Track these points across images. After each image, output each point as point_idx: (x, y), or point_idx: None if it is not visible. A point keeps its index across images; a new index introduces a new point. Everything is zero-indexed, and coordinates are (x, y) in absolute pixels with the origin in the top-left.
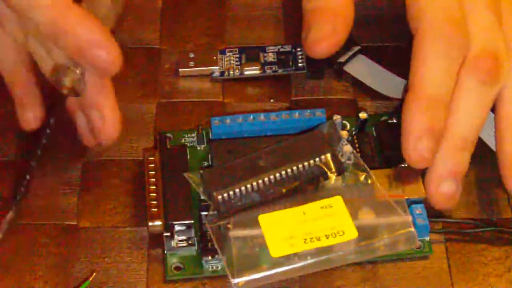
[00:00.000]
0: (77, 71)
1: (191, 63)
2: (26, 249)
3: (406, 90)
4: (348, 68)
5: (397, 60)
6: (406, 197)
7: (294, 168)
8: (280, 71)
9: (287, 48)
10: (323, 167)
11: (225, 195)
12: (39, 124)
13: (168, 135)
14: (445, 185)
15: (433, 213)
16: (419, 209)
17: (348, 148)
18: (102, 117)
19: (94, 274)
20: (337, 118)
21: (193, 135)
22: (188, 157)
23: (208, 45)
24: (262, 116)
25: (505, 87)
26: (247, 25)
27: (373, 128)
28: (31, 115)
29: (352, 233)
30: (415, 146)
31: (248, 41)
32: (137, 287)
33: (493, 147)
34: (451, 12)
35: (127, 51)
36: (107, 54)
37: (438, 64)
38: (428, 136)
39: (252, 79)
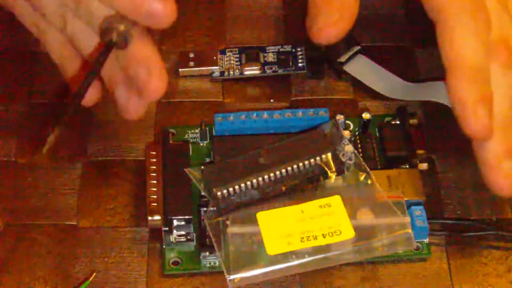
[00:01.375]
0: (122, 27)
1: (191, 63)
2: (26, 249)
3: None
4: (348, 68)
5: (397, 60)
6: (406, 199)
7: (295, 166)
8: (280, 71)
9: (287, 48)
10: (324, 166)
11: (225, 191)
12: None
13: (172, 130)
14: (506, 164)
15: (433, 215)
16: (418, 211)
17: (349, 148)
18: (149, 71)
19: (94, 274)
20: (340, 117)
21: (196, 131)
22: (191, 153)
23: (208, 45)
24: (265, 114)
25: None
26: (247, 25)
27: (376, 129)
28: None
29: (349, 233)
30: (475, 114)
31: (248, 41)
32: (137, 287)
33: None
34: None
35: None
36: (163, 6)
37: (470, 36)
38: (483, 103)
39: (252, 79)
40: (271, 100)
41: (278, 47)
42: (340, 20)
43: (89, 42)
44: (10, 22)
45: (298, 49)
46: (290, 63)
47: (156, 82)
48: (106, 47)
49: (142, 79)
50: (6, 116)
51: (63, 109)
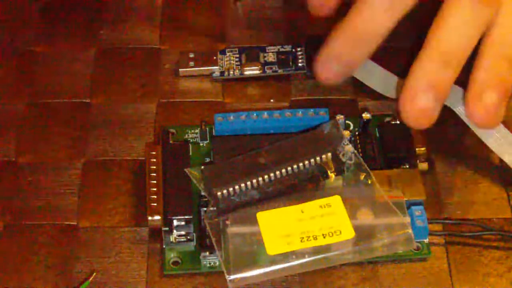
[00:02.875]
0: None
1: (191, 63)
2: (26, 249)
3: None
4: None
5: (397, 60)
6: (406, 199)
7: (295, 166)
8: (280, 71)
9: (287, 48)
10: (324, 166)
11: (225, 191)
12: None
13: (172, 130)
14: (422, 98)
15: (433, 215)
16: (418, 211)
17: (349, 148)
18: None
19: (94, 274)
20: (340, 117)
21: (196, 131)
22: (191, 153)
23: (208, 45)
24: (265, 114)
25: (498, 13)
26: (247, 25)
27: (376, 129)
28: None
29: (349, 233)
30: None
31: (248, 41)
32: (137, 287)
33: (499, 154)
34: None
35: (127, 51)
36: None
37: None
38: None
39: (252, 79)
40: (271, 100)
41: (278, 47)
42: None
43: None
44: (10, 22)
45: (298, 49)
46: (290, 63)
47: None
48: None
49: None
50: (6, 116)
51: None
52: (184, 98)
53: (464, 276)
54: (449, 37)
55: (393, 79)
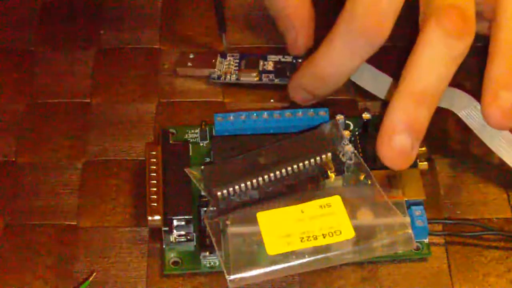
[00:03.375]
0: None
1: (189, 64)
2: (26, 249)
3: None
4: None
5: (397, 60)
6: (406, 199)
7: (295, 166)
8: (276, 80)
9: (288, 58)
10: (324, 166)
11: (225, 191)
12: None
13: (172, 130)
14: (398, 139)
15: (433, 215)
16: (418, 211)
17: (349, 148)
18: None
19: (94, 274)
20: (340, 117)
21: (196, 131)
22: (191, 153)
23: (208, 45)
24: (265, 114)
25: (504, 12)
26: (247, 25)
27: (376, 129)
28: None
29: (349, 233)
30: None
31: (248, 41)
32: (137, 287)
33: (504, 158)
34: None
35: (127, 51)
36: None
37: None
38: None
39: (249, 85)
40: (271, 100)
41: (280, 56)
42: (298, 39)
43: None
44: (10, 22)
45: (299, 60)
46: (288, 73)
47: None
48: None
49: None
50: (6, 116)
51: None
52: (184, 98)
53: (464, 276)
54: (422, 77)
55: (388, 80)
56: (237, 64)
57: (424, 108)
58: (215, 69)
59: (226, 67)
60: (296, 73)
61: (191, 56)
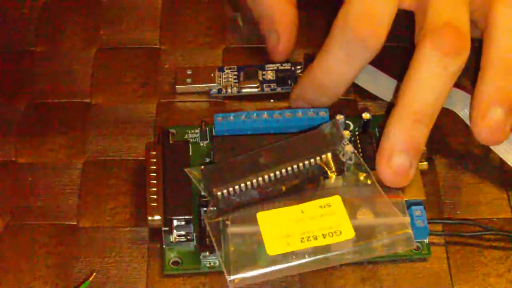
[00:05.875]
0: None
1: (188, 80)
2: (26, 249)
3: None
4: None
5: (397, 60)
6: (406, 199)
7: (295, 166)
8: (278, 89)
9: (286, 66)
10: (324, 166)
11: (225, 191)
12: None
13: (172, 130)
14: (397, 159)
15: (433, 215)
16: (418, 211)
17: (349, 148)
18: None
19: (94, 274)
20: (340, 118)
21: (196, 131)
22: (191, 153)
23: (208, 45)
24: (265, 114)
25: (495, 28)
26: (247, 25)
27: (376, 129)
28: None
29: (349, 233)
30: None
31: (248, 41)
32: (137, 287)
33: (504, 158)
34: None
35: (127, 51)
36: None
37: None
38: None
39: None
40: (271, 100)
41: (278, 65)
42: (279, 43)
43: None
44: (10, 22)
45: (298, 67)
46: (289, 82)
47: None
48: None
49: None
50: (6, 116)
51: None
52: (184, 98)
53: (464, 276)
54: (420, 96)
55: (392, 82)
56: (236, 77)
57: (422, 126)
58: (215, 84)
59: (225, 80)
60: (295, 86)
61: (189, 72)
